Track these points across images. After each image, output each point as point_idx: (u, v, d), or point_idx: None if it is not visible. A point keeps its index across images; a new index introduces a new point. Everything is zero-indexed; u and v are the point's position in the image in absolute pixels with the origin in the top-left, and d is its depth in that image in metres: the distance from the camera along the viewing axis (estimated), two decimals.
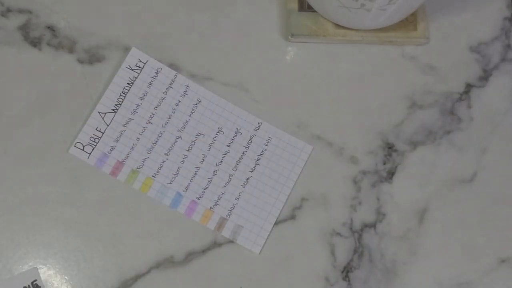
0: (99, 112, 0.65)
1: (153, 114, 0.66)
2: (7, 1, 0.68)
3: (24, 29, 0.68)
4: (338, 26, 0.68)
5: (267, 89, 0.68)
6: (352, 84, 0.68)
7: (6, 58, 0.67)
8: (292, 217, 0.65)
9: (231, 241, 0.63)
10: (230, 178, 0.65)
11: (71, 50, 0.67)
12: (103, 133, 0.65)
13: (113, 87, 0.66)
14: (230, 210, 0.64)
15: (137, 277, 0.62)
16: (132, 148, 0.65)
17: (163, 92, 0.66)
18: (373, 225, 0.65)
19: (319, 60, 0.69)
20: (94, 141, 0.64)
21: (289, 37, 0.68)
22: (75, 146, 0.64)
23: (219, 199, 0.64)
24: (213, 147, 0.65)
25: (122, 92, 0.66)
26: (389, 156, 0.66)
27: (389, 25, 0.67)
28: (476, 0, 0.71)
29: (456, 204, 0.65)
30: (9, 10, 0.68)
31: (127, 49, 0.67)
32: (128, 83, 0.66)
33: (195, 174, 0.65)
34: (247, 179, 0.65)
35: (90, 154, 0.64)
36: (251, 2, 0.70)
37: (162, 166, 0.64)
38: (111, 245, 0.62)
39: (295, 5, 0.69)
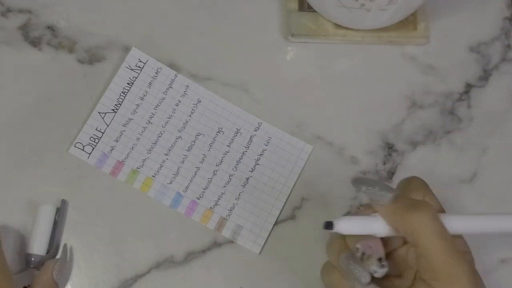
0: (99, 112, 0.65)
1: (153, 114, 0.66)
2: (7, 1, 0.68)
3: (24, 29, 0.68)
4: (338, 26, 0.68)
5: (267, 89, 0.68)
6: (352, 84, 0.68)
7: (6, 58, 0.67)
8: (292, 217, 0.65)
9: (231, 241, 0.63)
10: (230, 178, 0.65)
11: (71, 50, 0.67)
12: (103, 133, 0.65)
13: (113, 87, 0.66)
14: (230, 210, 0.64)
15: (137, 277, 0.62)
16: (132, 148, 0.65)
17: (163, 92, 0.66)
18: None
19: (319, 60, 0.69)
20: (94, 141, 0.64)
21: (289, 37, 0.68)
22: (75, 146, 0.64)
23: (219, 199, 0.64)
24: (213, 147, 0.65)
25: (122, 92, 0.66)
26: (389, 156, 0.66)
27: (389, 25, 0.67)
28: (476, 0, 0.71)
29: (456, 204, 0.65)
30: (9, 10, 0.68)
31: (127, 49, 0.67)
32: (128, 83, 0.66)
33: (195, 174, 0.64)
34: (247, 179, 0.65)
35: (90, 154, 0.64)
36: (251, 2, 0.70)
37: (162, 166, 0.64)
38: (111, 245, 0.62)
39: (295, 5, 0.69)
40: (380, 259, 0.50)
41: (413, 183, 0.53)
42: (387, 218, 0.50)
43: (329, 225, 0.51)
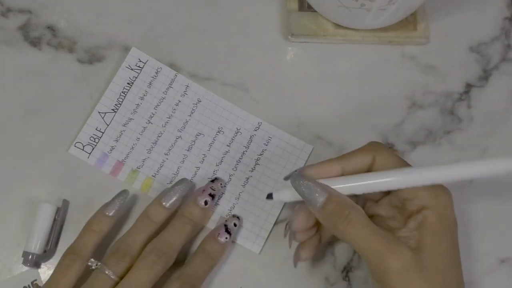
0: (99, 112, 0.65)
1: (153, 114, 0.66)
2: (7, 1, 0.68)
3: (24, 29, 0.68)
4: (338, 26, 0.68)
5: (267, 89, 0.68)
6: (352, 84, 0.68)
7: (6, 58, 0.67)
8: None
9: (232, 241, 0.63)
10: (230, 178, 0.65)
11: (71, 50, 0.67)
12: (103, 133, 0.65)
13: (113, 87, 0.66)
14: (230, 210, 0.64)
15: None
16: (132, 148, 0.65)
17: (163, 92, 0.66)
18: None
19: (319, 60, 0.69)
20: (94, 141, 0.64)
21: (289, 37, 0.68)
22: (75, 146, 0.64)
23: (219, 199, 0.64)
24: (213, 147, 0.65)
25: (122, 92, 0.66)
26: None
27: (389, 25, 0.67)
28: (476, 0, 0.71)
29: (456, 204, 0.65)
30: (9, 10, 0.68)
31: (127, 49, 0.67)
32: (128, 83, 0.66)
33: (195, 174, 0.64)
34: (247, 179, 0.65)
35: (90, 154, 0.64)
36: (251, 2, 0.70)
37: (162, 166, 0.64)
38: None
39: (295, 5, 0.69)
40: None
41: (365, 147, 0.56)
42: (320, 220, 0.53)
43: (270, 196, 0.57)
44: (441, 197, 0.52)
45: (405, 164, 0.54)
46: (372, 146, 0.55)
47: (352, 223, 0.51)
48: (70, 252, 0.58)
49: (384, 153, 0.54)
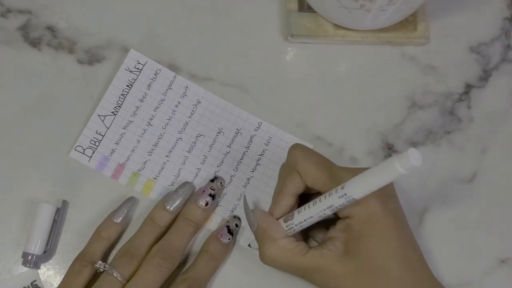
0: (99, 115, 0.65)
1: (153, 116, 0.66)
2: (7, 1, 0.68)
3: (24, 29, 0.68)
4: (338, 26, 0.68)
5: (267, 89, 0.68)
6: (352, 84, 0.68)
7: (6, 58, 0.67)
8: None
9: (234, 242, 0.63)
10: (231, 179, 0.65)
11: (71, 51, 0.67)
12: (103, 136, 0.65)
13: (113, 89, 0.66)
14: (232, 211, 0.64)
15: None
16: (133, 150, 0.65)
17: (163, 94, 0.66)
18: None
19: (319, 60, 0.69)
20: (95, 144, 0.64)
21: (289, 37, 0.68)
22: (75, 150, 0.64)
23: (220, 200, 0.64)
24: (213, 148, 0.65)
25: (122, 94, 0.66)
26: (389, 157, 0.66)
27: (389, 26, 0.67)
28: (476, 0, 0.71)
29: (456, 204, 0.65)
30: (9, 10, 0.68)
31: (126, 50, 0.67)
32: (127, 85, 0.66)
33: (196, 175, 0.64)
34: (248, 179, 0.65)
35: (90, 157, 0.64)
36: (251, 2, 0.70)
37: (163, 168, 0.64)
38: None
39: (295, 5, 0.69)
40: None
41: (286, 167, 0.59)
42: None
43: (249, 245, 0.63)
44: (366, 205, 0.54)
45: (322, 163, 0.57)
46: (291, 161, 0.58)
47: (267, 245, 0.57)
48: (80, 258, 0.60)
49: (302, 166, 0.57)
